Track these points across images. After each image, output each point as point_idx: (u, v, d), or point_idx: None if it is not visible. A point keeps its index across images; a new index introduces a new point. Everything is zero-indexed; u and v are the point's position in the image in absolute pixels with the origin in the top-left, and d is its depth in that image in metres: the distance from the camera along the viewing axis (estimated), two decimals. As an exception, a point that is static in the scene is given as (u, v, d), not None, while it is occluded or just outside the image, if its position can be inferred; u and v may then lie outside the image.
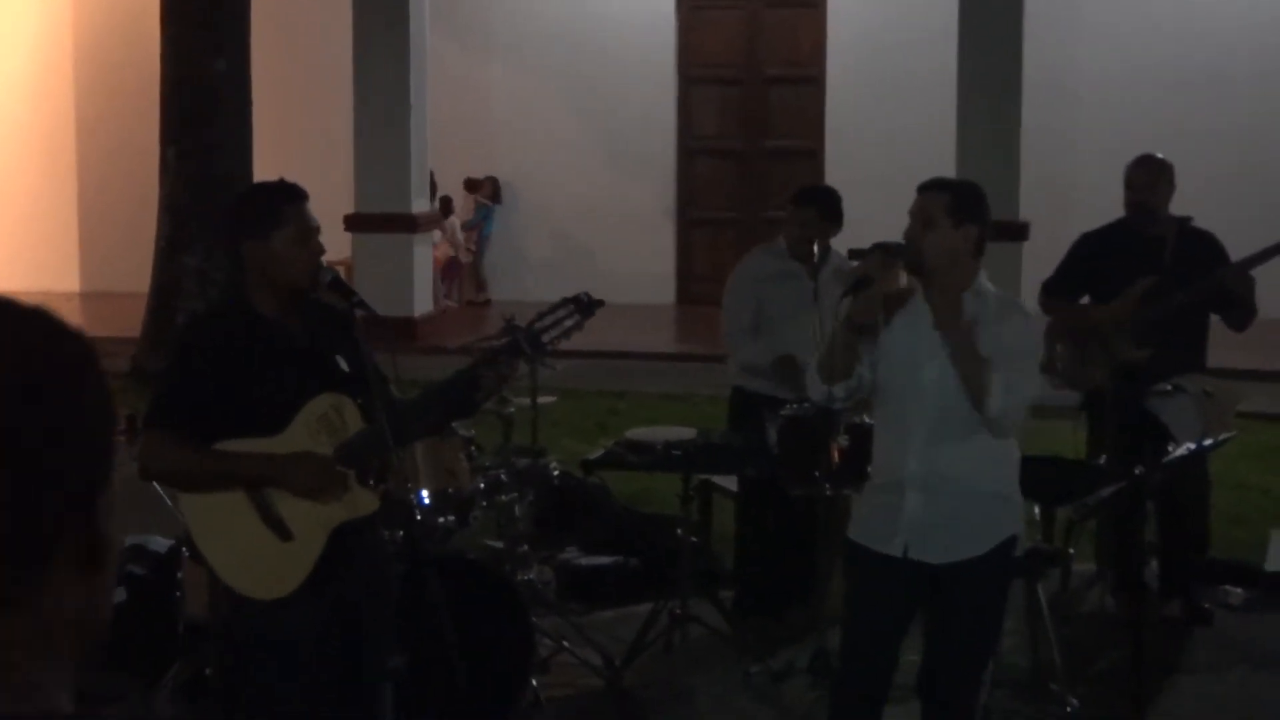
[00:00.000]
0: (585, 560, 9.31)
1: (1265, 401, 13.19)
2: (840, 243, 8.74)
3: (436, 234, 20.88)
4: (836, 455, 7.49)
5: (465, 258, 21.50)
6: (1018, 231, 15.93)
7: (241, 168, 15.99)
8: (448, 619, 5.40)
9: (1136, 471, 6.22)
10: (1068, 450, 8.88)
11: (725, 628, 8.17)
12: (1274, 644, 8.43)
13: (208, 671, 7.03)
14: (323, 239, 5.34)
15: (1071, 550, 8.21)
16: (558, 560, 9.30)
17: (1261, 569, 9.23)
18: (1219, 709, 7.56)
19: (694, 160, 21.68)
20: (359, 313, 5.31)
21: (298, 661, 5.25)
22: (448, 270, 21.17)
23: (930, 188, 5.61)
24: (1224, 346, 8.97)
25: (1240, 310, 8.44)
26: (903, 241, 5.52)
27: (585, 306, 5.37)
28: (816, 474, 7.55)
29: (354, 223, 17.96)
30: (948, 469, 5.45)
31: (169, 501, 5.49)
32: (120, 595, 7.88)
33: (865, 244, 5.81)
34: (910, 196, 5.65)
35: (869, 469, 5.84)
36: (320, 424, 5.21)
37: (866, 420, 6.67)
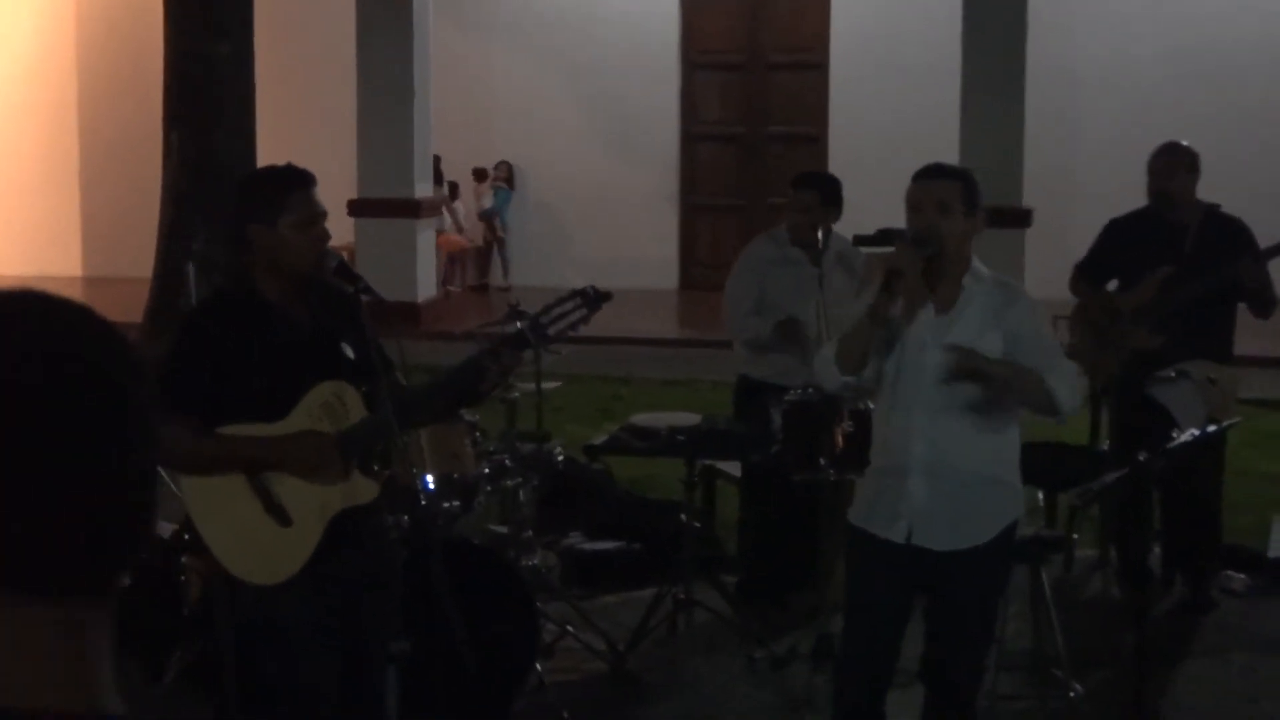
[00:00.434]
0: (589, 545, 9.32)
1: (1266, 387, 13.20)
2: (843, 229, 8.75)
3: (447, 220, 20.95)
4: (840, 441, 7.50)
5: (475, 243, 21.59)
6: (1021, 218, 15.92)
7: (244, 152, 15.98)
8: (452, 604, 5.40)
9: (1140, 458, 6.22)
10: (1071, 436, 8.91)
11: (729, 613, 8.18)
12: (1276, 629, 8.44)
13: (211, 657, 7.04)
14: (326, 224, 5.34)
15: (1075, 536, 8.22)
16: (562, 545, 9.31)
17: (1264, 555, 9.24)
18: (1221, 694, 7.57)
19: (697, 146, 21.68)
20: (365, 298, 5.30)
21: (296, 647, 5.25)
22: (456, 255, 21.22)
23: (939, 175, 5.58)
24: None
25: (1260, 300, 8.45)
26: (907, 229, 5.48)
27: (592, 300, 5.36)
28: (821, 459, 7.55)
29: (357, 208, 17.96)
30: (952, 455, 5.45)
31: (168, 480, 5.49)
32: (124, 580, 7.90)
33: (869, 230, 5.80)
34: (913, 183, 5.63)
35: (870, 454, 5.82)
36: (323, 411, 5.21)
37: (870, 405, 6.65)
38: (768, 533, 8.64)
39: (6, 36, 22.72)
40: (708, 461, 9.06)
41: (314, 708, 5.30)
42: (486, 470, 7.63)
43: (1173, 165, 8.57)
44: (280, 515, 5.18)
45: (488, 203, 21.56)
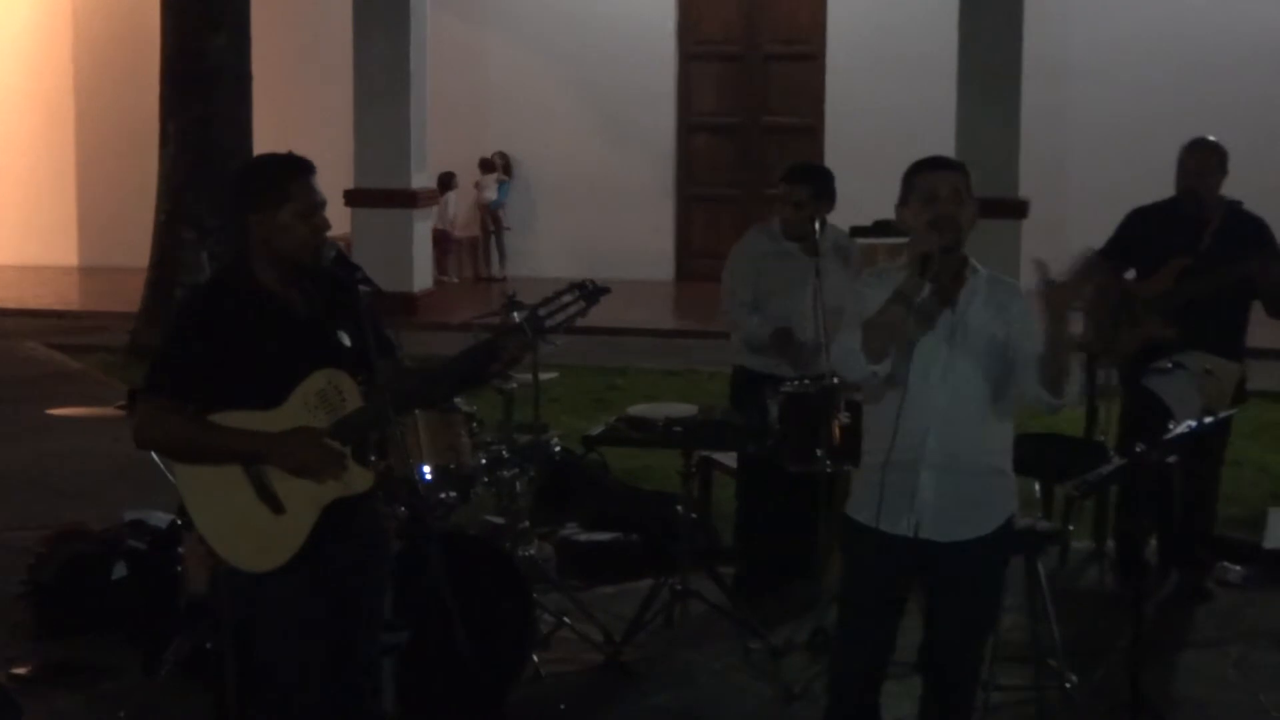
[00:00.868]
0: (586, 536, 9.33)
1: (1259, 378, 13.19)
2: (840, 220, 8.74)
3: (452, 212, 21.01)
4: (837, 432, 7.50)
5: (465, 233, 21.63)
6: (1018, 209, 15.94)
7: (241, 142, 16.00)
8: (449, 595, 5.40)
9: (1137, 449, 6.22)
10: (1068, 428, 8.92)
11: (725, 604, 8.18)
12: (1272, 620, 8.44)
13: (208, 646, 7.05)
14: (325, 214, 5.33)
15: (1071, 527, 8.23)
16: (558, 536, 9.32)
17: (1260, 546, 9.25)
18: (1217, 685, 7.58)
19: (693, 136, 21.68)
20: (364, 290, 5.29)
21: (287, 634, 5.25)
22: (449, 246, 21.24)
23: (949, 166, 5.56)
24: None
25: (1275, 298, 8.47)
26: (926, 218, 5.42)
27: (590, 294, 5.34)
28: (818, 451, 7.55)
29: (353, 198, 17.96)
30: (962, 447, 5.43)
31: (165, 470, 5.49)
32: (121, 570, 7.91)
33: (865, 220, 5.77)
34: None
35: (867, 448, 5.78)
36: (318, 400, 5.20)
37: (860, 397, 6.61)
38: (764, 524, 8.64)
39: (4, 27, 22.73)
40: (704, 452, 9.06)
41: (305, 695, 5.30)
42: (483, 461, 7.63)
43: (1206, 164, 8.58)
44: (273, 503, 5.18)
45: (493, 194, 21.58)
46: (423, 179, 18.72)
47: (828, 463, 7.58)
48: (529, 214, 21.88)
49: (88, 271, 22.01)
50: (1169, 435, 6.36)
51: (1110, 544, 9.11)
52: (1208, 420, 6.68)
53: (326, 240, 5.26)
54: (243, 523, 5.20)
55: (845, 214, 8.97)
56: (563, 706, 7.17)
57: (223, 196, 14.67)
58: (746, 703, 7.39)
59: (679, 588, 8.03)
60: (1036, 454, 7.44)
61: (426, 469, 7.15)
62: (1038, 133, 17.21)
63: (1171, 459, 6.51)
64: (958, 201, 5.43)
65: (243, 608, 5.35)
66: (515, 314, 5.38)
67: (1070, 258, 8.38)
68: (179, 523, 7.40)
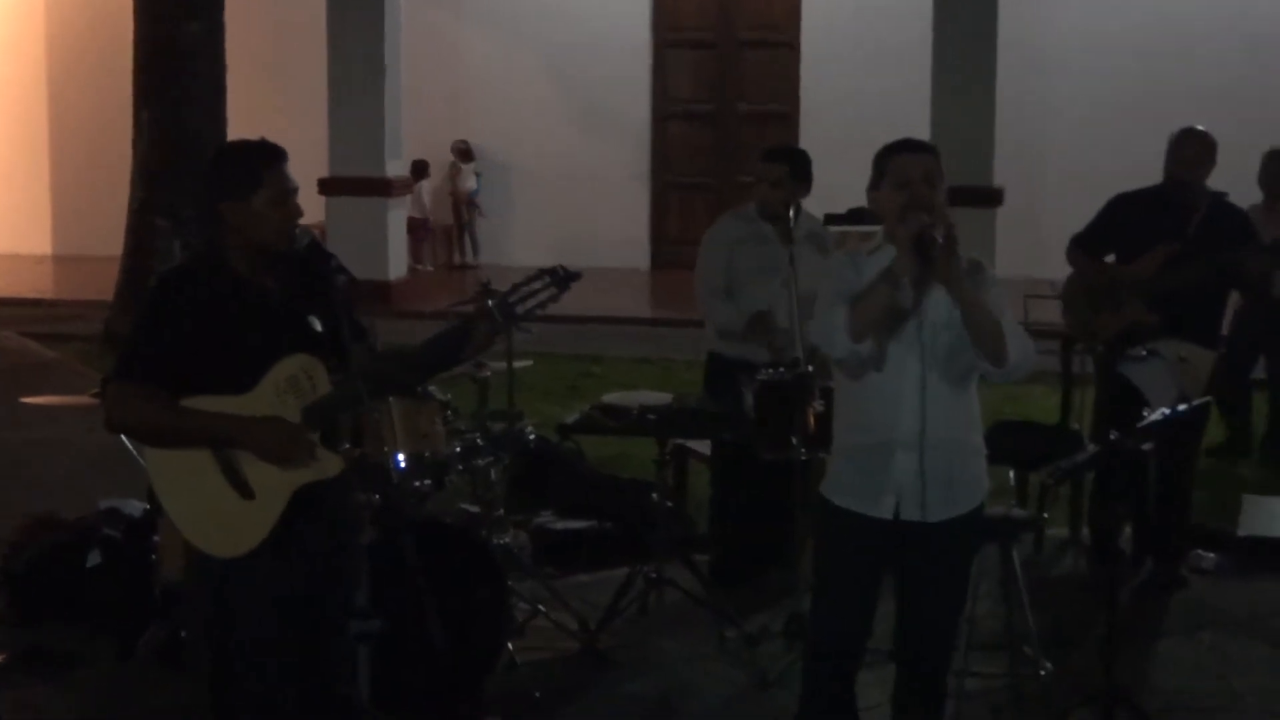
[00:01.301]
0: (560, 524, 9.32)
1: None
2: (815, 207, 8.73)
3: (426, 200, 21.01)
4: (813, 420, 7.49)
5: (442, 220, 21.65)
6: (993, 197, 15.95)
7: (215, 130, 15.95)
8: (423, 583, 5.39)
9: (1112, 436, 6.23)
10: (1042, 415, 8.93)
11: (700, 592, 8.18)
12: (1245, 608, 8.47)
13: (183, 633, 7.04)
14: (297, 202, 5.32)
15: (1045, 514, 8.24)
16: (533, 524, 9.31)
17: (1233, 534, 9.28)
18: (1191, 672, 7.60)
19: (668, 124, 21.67)
20: (340, 279, 5.29)
21: (256, 619, 5.25)
22: (423, 234, 21.22)
23: (921, 149, 5.55)
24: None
25: (1256, 290, 8.51)
26: (907, 200, 5.41)
27: (561, 279, 5.33)
28: (793, 439, 7.55)
29: (327, 186, 17.94)
30: (939, 426, 5.43)
31: (136, 454, 5.47)
32: (95, 558, 7.90)
33: (840, 208, 5.75)
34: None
35: (839, 428, 5.76)
36: (288, 385, 5.19)
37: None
38: (739, 512, 8.63)
39: (-24, 14, 22.64)
40: (679, 440, 9.05)
41: (275, 682, 5.30)
42: (458, 449, 7.61)
43: (1199, 154, 8.61)
44: (243, 488, 5.18)
45: (472, 183, 21.58)
46: (397, 167, 18.71)
47: (803, 450, 7.57)
48: (504, 202, 21.85)
49: (62, 260, 21.95)
50: (1144, 422, 6.38)
51: (1085, 531, 9.13)
52: (1182, 408, 6.70)
53: (299, 227, 5.25)
54: (212, 508, 5.20)
55: (821, 201, 8.96)
56: (538, 694, 7.17)
57: (196, 184, 14.63)
58: (722, 690, 7.39)
59: (654, 576, 8.04)
60: (1011, 441, 7.45)
61: (401, 457, 7.13)
62: (1012, 121, 17.23)
63: (1146, 446, 6.51)
64: (930, 184, 5.43)
65: (213, 593, 5.34)
66: (489, 300, 5.35)
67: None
68: (151, 509, 7.39)
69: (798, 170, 8.35)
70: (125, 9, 16.62)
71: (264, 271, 5.26)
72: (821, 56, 20.55)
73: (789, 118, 20.97)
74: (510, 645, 7.33)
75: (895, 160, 5.51)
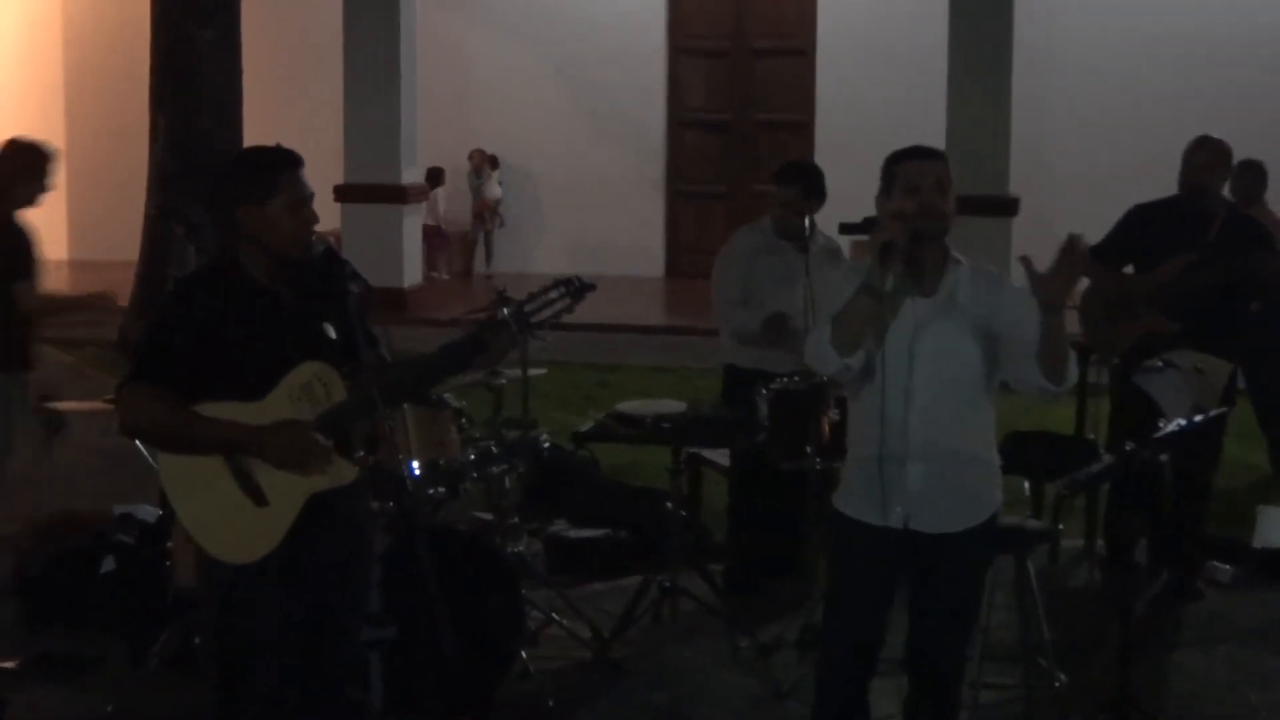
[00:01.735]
0: (574, 533, 9.32)
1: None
2: (830, 216, 8.71)
3: (442, 207, 21.02)
4: (827, 429, 7.48)
5: (458, 227, 21.66)
6: (1008, 206, 15.92)
7: (231, 136, 15.96)
8: (437, 591, 5.39)
9: (1128, 447, 6.21)
10: (1058, 426, 8.91)
11: (714, 601, 8.18)
12: (1260, 620, 8.45)
13: (196, 639, 7.04)
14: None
15: (1060, 525, 8.23)
16: (547, 533, 9.31)
17: (1249, 545, 9.25)
18: (1205, 684, 7.58)
19: (683, 132, 21.68)
20: (354, 287, 5.28)
21: (269, 626, 5.25)
22: (438, 241, 21.23)
23: (931, 155, 5.54)
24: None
25: (1271, 297, 8.51)
26: (912, 208, 5.39)
27: (576, 290, 5.33)
28: (807, 448, 7.54)
29: (343, 193, 17.94)
30: (947, 437, 5.41)
31: (150, 459, 5.47)
32: (109, 564, 7.90)
33: (856, 217, 5.71)
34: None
35: (851, 440, 5.75)
36: (303, 393, 5.19)
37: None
38: (754, 521, 8.63)
39: (-7, 21, 22.67)
40: (694, 449, 9.05)
41: (284, 688, 5.30)
42: (472, 457, 7.61)
43: (1214, 161, 8.62)
44: (256, 494, 5.18)
45: (498, 190, 21.62)
46: (413, 174, 18.71)
47: (818, 460, 7.57)
48: (518, 210, 21.87)
49: (78, 266, 21.94)
50: (1159, 433, 6.36)
51: (1100, 543, 9.11)
52: (1198, 418, 6.68)
53: (314, 233, 5.25)
54: (225, 514, 5.20)
55: (836, 209, 8.91)
56: (551, 703, 7.16)
57: (211, 190, 14.65)
58: (735, 700, 7.38)
59: (668, 585, 8.02)
60: (1026, 452, 7.44)
61: (415, 465, 7.13)
62: (1027, 126, 17.20)
63: (1162, 457, 6.50)
64: (941, 191, 5.41)
65: (221, 599, 5.34)
66: (504, 309, 5.35)
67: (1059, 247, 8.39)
68: (164, 515, 7.39)
69: (810, 189, 8.36)
70: (141, 16, 16.65)
71: (279, 278, 5.26)
72: (837, 64, 20.55)
73: (804, 125, 20.97)
74: (523, 653, 7.31)
75: (904, 167, 5.49)
